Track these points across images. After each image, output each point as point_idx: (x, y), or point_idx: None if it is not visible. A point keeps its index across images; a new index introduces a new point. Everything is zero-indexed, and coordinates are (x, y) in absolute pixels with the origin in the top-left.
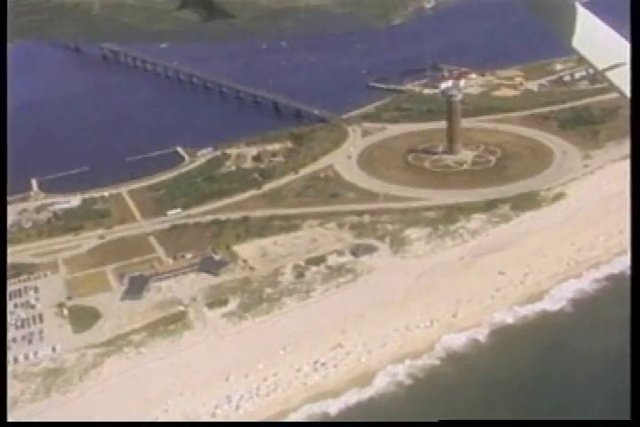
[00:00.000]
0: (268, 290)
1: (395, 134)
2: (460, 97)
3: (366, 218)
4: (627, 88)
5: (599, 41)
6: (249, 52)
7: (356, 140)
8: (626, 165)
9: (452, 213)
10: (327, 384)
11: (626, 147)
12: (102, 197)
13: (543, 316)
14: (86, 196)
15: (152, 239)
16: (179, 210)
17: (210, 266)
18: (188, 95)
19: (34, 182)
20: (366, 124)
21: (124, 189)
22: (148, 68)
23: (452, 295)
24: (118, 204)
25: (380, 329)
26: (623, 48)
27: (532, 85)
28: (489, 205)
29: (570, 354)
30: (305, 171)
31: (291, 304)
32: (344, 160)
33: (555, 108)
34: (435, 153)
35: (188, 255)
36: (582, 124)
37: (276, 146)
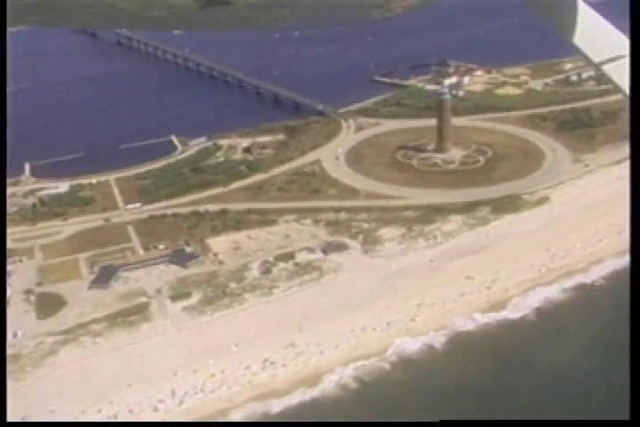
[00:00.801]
0: (233, 285)
1: (388, 130)
2: (461, 94)
3: (343, 215)
4: (625, 83)
5: (598, 36)
6: (262, 42)
7: (348, 136)
8: (616, 171)
9: (429, 214)
10: (273, 384)
11: (620, 151)
12: (90, 184)
13: (504, 324)
14: (74, 182)
15: (130, 229)
16: (138, 204)
17: (180, 258)
18: (194, 83)
19: (27, 167)
20: (361, 119)
21: (112, 177)
22: (159, 54)
23: (414, 298)
24: (104, 191)
25: (336, 330)
26: (623, 42)
27: (537, 84)
28: (469, 207)
29: (521, 364)
30: (292, 165)
31: (252, 300)
32: (332, 155)
33: (555, 108)
34: (425, 151)
35: (161, 246)
36: (580, 127)
37: (269, 138)
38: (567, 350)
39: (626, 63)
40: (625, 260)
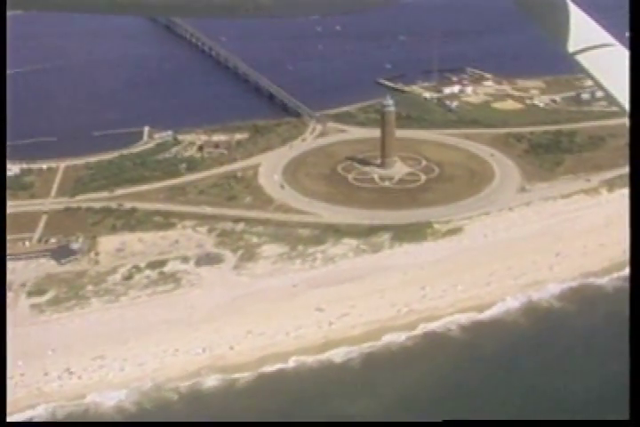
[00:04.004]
0: (89, 287)
1: (349, 139)
2: (454, 105)
3: (240, 226)
4: (625, 98)
5: (593, 42)
6: (300, 35)
7: (305, 141)
8: (556, 206)
9: (324, 234)
10: (60, 393)
11: (577, 183)
12: (40, 169)
13: (323, 367)
14: (26, 166)
15: (43, 219)
16: None
17: (60, 254)
18: (206, 73)
19: None
20: (331, 125)
21: (63, 164)
22: (193, 41)
23: (249, 325)
24: (47, 178)
25: (153, 347)
26: (620, 51)
27: (542, 100)
28: (370, 231)
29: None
30: (230, 167)
31: (96, 305)
32: (275, 161)
33: (539, 128)
34: (370, 164)
35: (53, 240)
36: (552, 151)
37: (226, 137)
38: (366, 406)
39: (625, 74)
40: (496, 311)
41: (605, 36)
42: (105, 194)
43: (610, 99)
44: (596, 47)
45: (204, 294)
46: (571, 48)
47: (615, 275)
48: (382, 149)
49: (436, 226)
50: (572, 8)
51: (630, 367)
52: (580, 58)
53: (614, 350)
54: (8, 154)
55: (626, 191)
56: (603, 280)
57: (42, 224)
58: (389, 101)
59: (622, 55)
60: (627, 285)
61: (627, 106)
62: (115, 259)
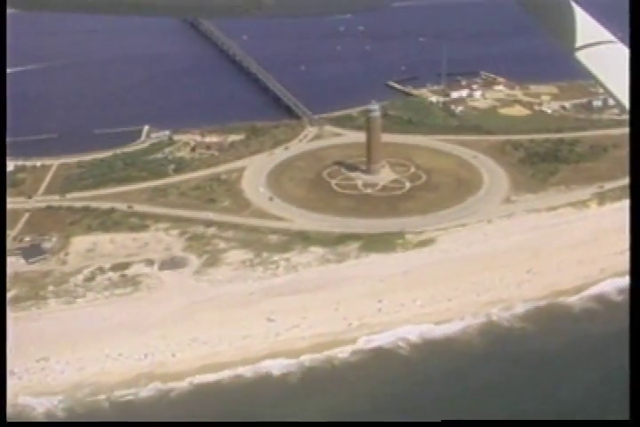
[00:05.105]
0: (51, 288)
1: (342, 142)
2: (459, 110)
3: (212, 230)
4: (625, 97)
5: (595, 42)
6: (322, 34)
7: (298, 144)
8: (539, 219)
9: (292, 241)
10: None
11: (566, 196)
12: (34, 166)
13: (244, 382)
14: (21, 163)
15: (25, 217)
16: None
17: (31, 253)
18: (220, 72)
19: None
20: (328, 128)
21: (57, 162)
22: (213, 39)
23: (194, 333)
24: (38, 176)
25: (97, 351)
26: (621, 51)
27: (552, 107)
28: (339, 240)
29: None
30: (216, 169)
31: (52, 306)
32: (263, 164)
33: (540, 136)
34: (356, 170)
35: (27, 238)
36: (548, 161)
37: (219, 138)
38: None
39: (625, 74)
40: (451, 329)
41: (607, 35)
42: (89, 193)
43: (610, 96)
44: (597, 45)
45: (159, 299)
46: (573, 47)
47: (586, 294)
48: (368, 154)
49: (408, 236)
50: (574, 7)
51: (630, 367)
52: (582, 57)
53: (567, 378)
54: (9, 151)
55: (617, 205)
56: (572, 300)
57: (22, 222)
58: (375, 106)
59: (624, 53)
60: (595, 306)
61: (627, 104)
62: (83, 259)
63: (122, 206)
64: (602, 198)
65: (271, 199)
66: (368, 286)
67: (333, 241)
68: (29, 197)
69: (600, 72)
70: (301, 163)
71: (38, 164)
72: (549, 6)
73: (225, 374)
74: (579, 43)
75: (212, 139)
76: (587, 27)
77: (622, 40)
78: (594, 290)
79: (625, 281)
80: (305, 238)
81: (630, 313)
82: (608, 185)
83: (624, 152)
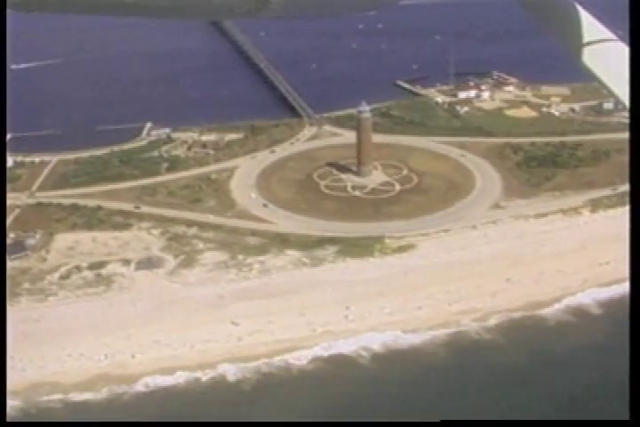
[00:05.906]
0: (25, 285)
1: (338, 143)
2: (464, 111)
3: (193, 230)
4: (625, 95)
5: (595, 41)
6: (339, 32)
7: (294, 144)
8: (527, 225)
9: (271, 244)
10: None
11: (559, 202)
12: (32, 162)
13: (197, 386)
14: (20, 159)
15: (15, 213)
16: None
17: (13, 250)
18: (232, 69)
19: None
20: (327, 128)
21: (56, 158)
22: (231, 36)
23: (158, 335)
24: (35, 172)
25: (59, 350)
26: (622, 50)
27: (560, 109)
28: (317, 243)
29: None
30: (208, 168)
31: (24, 304)
32: (254, 164)
33: (542, 139)
34: (348, 171)
35: (12, 235)
36: (546, 165)
37: (215, 137)
38: None
39: (625, 74)
40: (416, 339)
41: (608, 34)
42: (80, 190)
43: (613, 97)
44: (598, 44)
45: (130, 299)
46: (575, 47)
47: (563, 306)
48: (358, 156)
49: (388, 241)
50: (575, 6)
51: (630, 368)
52: (584, 57)
53: (531, 394)
54: (11, 146)
55: (611, 213)
56: (547, 312)
57: (10, 219)
58: (365, 108)
59: (624, 52)
60: (571, 319)
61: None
62: (62, 257)
63: (108, 205)
64: (595, 205)
65: (257, 199)
66: (339, 292)
67: (311, 244)
68: (22, 193)
69: (602, 72)
70: (293, 163)
71: (37, 160)
72: (549, 6)
73: (180, 377)
74: (581, 42)
75: (209, 137)
76: (588, 26)
77: (623, 40)
78: (572, 301)
79: (606, 292)
80: (283, 241)
81: (630, 315)
82: (604, 191)
83: (626, 157)
